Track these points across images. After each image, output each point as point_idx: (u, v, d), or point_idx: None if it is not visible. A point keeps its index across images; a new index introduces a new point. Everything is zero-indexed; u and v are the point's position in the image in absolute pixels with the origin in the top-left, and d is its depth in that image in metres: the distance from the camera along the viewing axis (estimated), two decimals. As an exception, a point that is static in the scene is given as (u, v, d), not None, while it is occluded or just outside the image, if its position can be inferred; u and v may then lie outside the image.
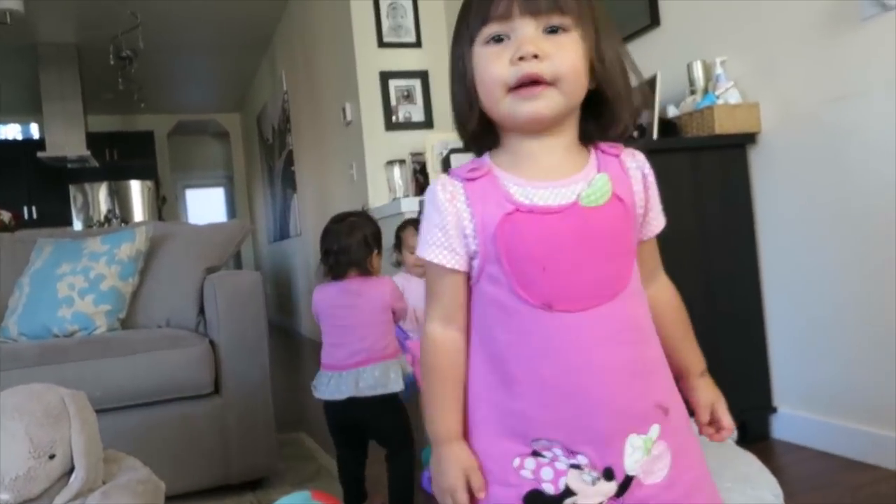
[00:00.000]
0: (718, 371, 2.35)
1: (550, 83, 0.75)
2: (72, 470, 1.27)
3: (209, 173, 10.22)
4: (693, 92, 2.25)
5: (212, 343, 2.12)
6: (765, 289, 2.18)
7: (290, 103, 6.24)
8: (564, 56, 0.75)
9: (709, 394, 0.92)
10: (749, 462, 1.18)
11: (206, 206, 10.16)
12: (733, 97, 2.14)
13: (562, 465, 0.78)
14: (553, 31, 0.76)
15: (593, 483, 0.78)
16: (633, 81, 0.82)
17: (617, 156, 0.83)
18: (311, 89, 5.42)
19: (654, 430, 0.80)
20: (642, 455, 0.79)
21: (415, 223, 2.38)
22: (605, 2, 0.85)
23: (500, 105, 0.77)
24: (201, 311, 2.27)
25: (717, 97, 2.13)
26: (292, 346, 5.82)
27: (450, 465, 0.81)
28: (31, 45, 6.24)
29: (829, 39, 1.91)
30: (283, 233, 7.04)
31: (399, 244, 2.36)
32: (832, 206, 1.95)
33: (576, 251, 0.77)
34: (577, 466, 0.78)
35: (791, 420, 2.12)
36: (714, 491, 0.87)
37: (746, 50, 2.16)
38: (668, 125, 2.21)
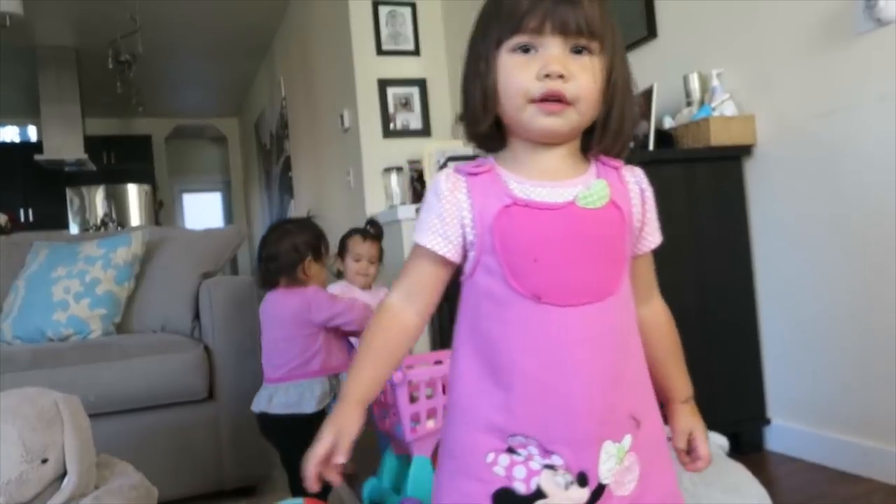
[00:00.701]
0: (713, 382, 2.36)
1: (570, 103, 0.78)
2: (64, 474, 1.27)
3: (206, 178, 10.22)
4: (689, 103, 2.26)
5: (206, 348, 2.11)
6: (759, 300, 2.18)
7: (288, 109, 6.25)
8: (586, 79, 0.79)
9: (688, 421, 0.92)
10: (738, 472, 1.18)
11: (203, 210, 10.16)
12: (729, 109, 2.15)
13: (536, 464, 0.78)
14: (578, 51, 0.79)
15: (566, 487, 0.78)
16: (635, 106, 0.86)
17: (617, 168, 0.86)
18: (309, 95, 5.43)
19: (627, 440, 0.81)
20: (615, 464, 0.80)
21: (361, 231, 2.38)
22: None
23: (522, 113, 0.80)
24: (196, 316, 2.27)
25: (713, 109, 2.14)
26: (287, 351, 5.80)
27: (334, 421, 0.83)
28: (30, 48, 6.24)
29: (824, 53, 1.92)
30: (279, 238, 7.03)
31: (343, 252, 2.31)
32: (826, 218, 1.96)
33: (568, 247, 0.78)
34: (551, 467, 0.78)
35: (785, 432, 2.13)
36: None
37: (743, 62, 2.18)
38: (664, 136, 2.22)
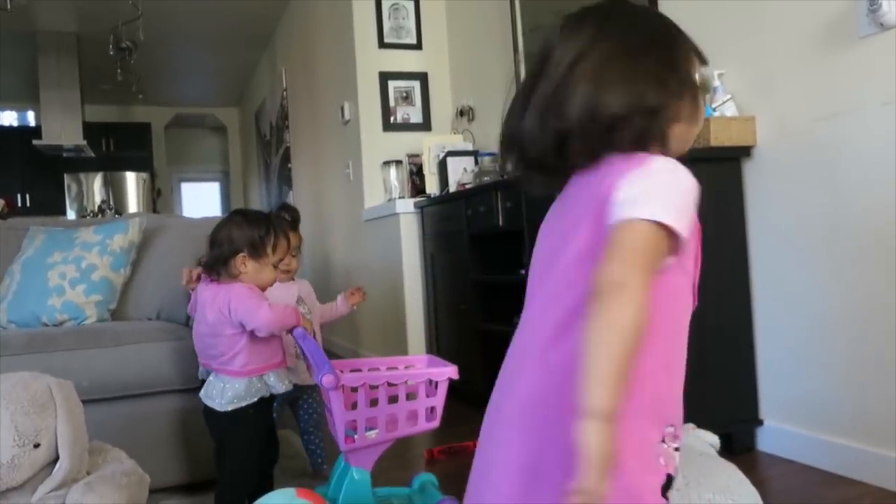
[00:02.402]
0: (706, 382, 2.36)
1: None
2: (56, 459, 1.27)
3: (205, 167, 10.20)
4: (690, 103, 2.26)
5: (202, 337, 2.11)
6: (754, 301, 2.19)
7: (288, 100, 6.24)
8: None
9: None
10: (730, 473, 1.19)
11: (201, 200, 10.13)
12: (730, 110, 2.15)
13: (672, 448, 0.84)
14: None
15: (679, 464, 0.85)
16: None
17: None
18: (310, 87, 5.42)
19: None
20: None
21: (292, 224, 2.11)
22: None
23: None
24: (192, 304, 2.27)
25: (714, 110, 2.14)
26: (282, 343, 5.79)
27: None
28: (30, 33, 6.22)
29: (826, 57, 1.92)
30: (277, 229, 7.02)
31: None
32: (824, 221, 1.96)
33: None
34: (677, 449, 0.83)
35: (777, 433, 2.13)
36: None
37: (745, 64, 2.17)
38: (664, 136, 2.22)
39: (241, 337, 1.62)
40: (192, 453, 2.04)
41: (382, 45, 4.11)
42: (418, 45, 4.17)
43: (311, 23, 5.29)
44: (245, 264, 1.63)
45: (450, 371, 1.66)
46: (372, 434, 1.62)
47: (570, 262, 0.84)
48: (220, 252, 1.63)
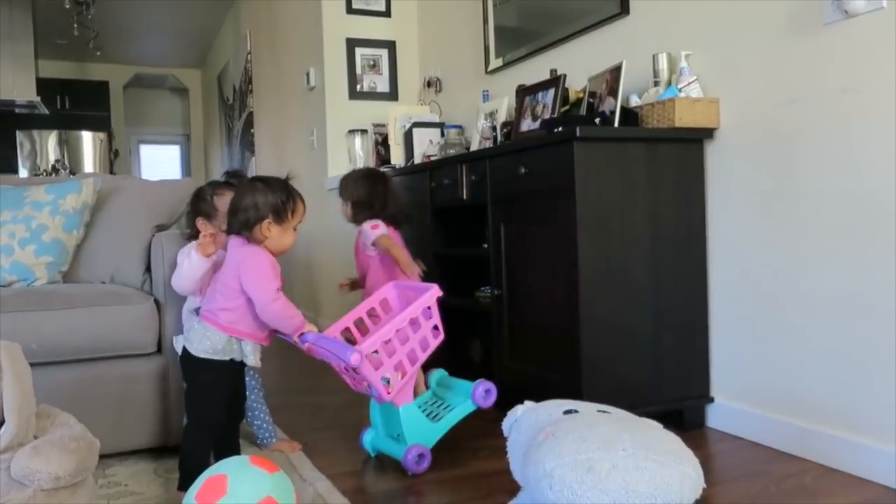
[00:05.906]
0: (660, 359, 2.38)
1: None
2: (2, 423, 1.24)
3: (165, 129, 9.96)
4: (657, 83, 2.27)
5: (156, 302, 2.07)
6: (710, 282, 2.23)
7: (252, 64, 6.11)
8: None
9: None
10: (674, 440, 1.22)
11: (160, 162, 9.91)
12: (695, 91, 2.16)
13: None
14: None
15: None
16: None
17: None
18: (275, 51, 5.30)
19: None
20: None
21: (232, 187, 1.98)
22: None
23: None
24: (148, 269, 2.23)
25: (680, 90, 2.15)
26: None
27: None
28: (-19, -19, 5.96)
29: (790, 42, 1.94)
30: (238, 195, 6.91)
31: (204, 210, 1.98)
32: (779, 204, 2.00)
33: None
34: None
35: (726, 411, 2.19)
36: None
37: (711, 46, 2.19)
38: (629, 114, 2.22)
39: (241, 298, 1.68)
40: (144, 420, 2.01)
41: (350, 10, 4.04)
42: (387, 13, 4.11)
43: (277, -16, 5.16)
44: (270, 229, 1.70)
45: (434, 291, 1.90)
46: (399, 378, 1.86)
47: None
48: (247, 218, 1.68)
